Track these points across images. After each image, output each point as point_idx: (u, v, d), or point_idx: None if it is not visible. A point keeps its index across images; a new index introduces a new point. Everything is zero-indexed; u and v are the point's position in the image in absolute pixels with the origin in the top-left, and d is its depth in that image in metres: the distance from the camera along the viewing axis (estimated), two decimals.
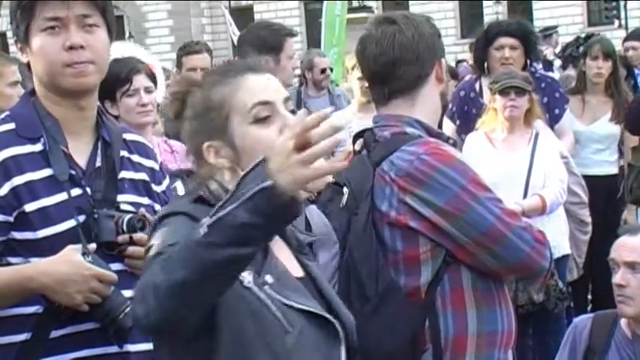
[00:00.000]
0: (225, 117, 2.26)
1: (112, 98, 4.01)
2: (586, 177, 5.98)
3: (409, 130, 2.92)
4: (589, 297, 6.97)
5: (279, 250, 2.33)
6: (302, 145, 1.94)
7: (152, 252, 2.12)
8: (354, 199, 2.89)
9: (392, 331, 2.78)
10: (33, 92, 2.70)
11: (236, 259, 1.99)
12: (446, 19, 40.54)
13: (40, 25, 2.58)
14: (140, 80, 4.12)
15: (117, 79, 3.95)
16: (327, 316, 2.24)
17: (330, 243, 2.95)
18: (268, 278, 2.20)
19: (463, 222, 2.77)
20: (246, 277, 2.17)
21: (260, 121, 2.26)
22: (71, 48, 2.57)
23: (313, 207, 3.16)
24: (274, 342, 2.16)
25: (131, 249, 2.61)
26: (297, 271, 2.35)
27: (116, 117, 3.84)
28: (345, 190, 2.93)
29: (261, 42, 5.02)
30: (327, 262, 2.95)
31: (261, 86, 2.30)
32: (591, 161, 6.68)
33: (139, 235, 2.60)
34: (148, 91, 4.16)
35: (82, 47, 2.57)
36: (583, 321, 3.75)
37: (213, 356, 2.15)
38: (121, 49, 4.49)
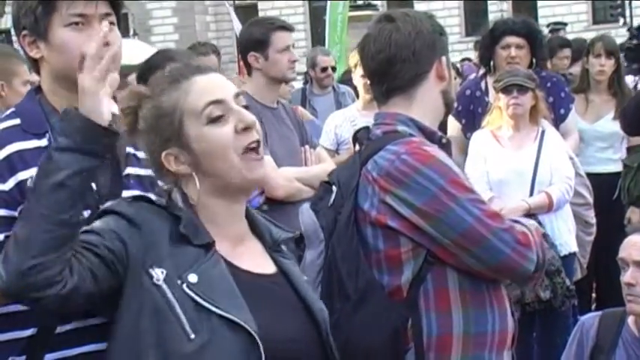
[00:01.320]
0: (179, 122, 2.28)
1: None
2: (590, 175, 5.99)
3: (400, 128, 2.92)
4: (593, 295, 6.97)
5: (250, 248, 2.35)
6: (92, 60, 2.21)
7: None
8: (342, 197, 2.89)
9: (372, 329, 2.77)
10: (38, 89, 2.70)
11: (58, 186, 2.13)
12: (450, 16, 40.53)
13: (65, 20, 2.59)
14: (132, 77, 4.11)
15: None
16: (248, 327, 2.18)
17: (317, 241, 2.95)
18: (192, 277, 2.20)
19: (441, 223, 2.76)
20: (157, 274, 2.19)
21: (214, 120, 2.27)
22: None
23: (305, 205, 3.17)
24: (168, 345, 2.15)
25: None
26: (266, 267, 2.35)
27: None
28: (334, 188, 2.94)
29: (249, 37, 5.03)
30: (313, 259, 2.95)
31: (210, 86, 2.30)
32: (595, 159, 6.68)
33: None
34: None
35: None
36: (590, 319, 3.75)
37: (114, 341, 2.21)
38: (128, 47, 4.49)
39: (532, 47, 6.01)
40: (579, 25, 33.62)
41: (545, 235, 5.27)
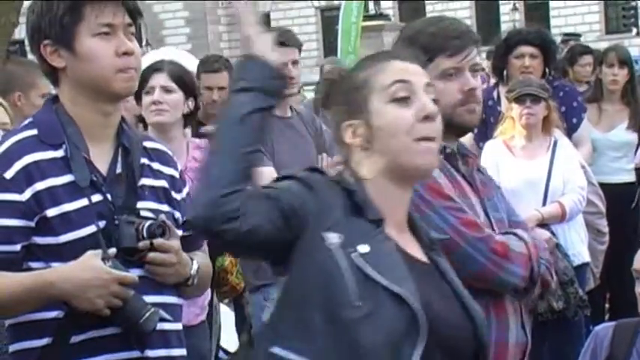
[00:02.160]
0: (366, 96, 2.32)
1: (139, 98, 4.02)
2: (603, 185, 5.98)
3: None
4: (606, 306, 6.95)
5: (409, 238, 2.37)
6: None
7: None
8: None
9: None
10: (55, 99, 2.72)
11: (252, 112, 2.21)
12: None
13: (93, 30, 2.62)
14: (158, 79, 4.13)
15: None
16: (411, 301, 2.18)
17: None
18: (363, 247, 2.21)
19: None
20: (332, 238, 2.22)
21: (397, 100, 2.30)
22: (124, 54, 2.62)
23: None
24: (335, 308, 2.17)
25: (151, 255, 2.62)
26: (423, 258, 2.37)
27: (144, 120, 3.87)
28: None
29: None
30: None
31: (404, 69, 2.34)
32: (608, 169, 6.67)
33: (159, 241, 2.61)
34: (165, 90, 4.16)
35: (132, 53, 2.62)
36: (604, 329, 3.74)
37: (280, 291, 2.26)
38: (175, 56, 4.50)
39: (545, 57, 6.01)
40: (592, 35, 33.59)
41: (557, 245, 5.26)
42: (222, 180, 2.16)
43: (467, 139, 6.00)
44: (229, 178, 2.17)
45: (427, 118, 2.30)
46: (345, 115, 2.35)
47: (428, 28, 2.94)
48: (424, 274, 2.31)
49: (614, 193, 6.26)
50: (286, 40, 4.96)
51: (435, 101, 2.34)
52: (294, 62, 4.93)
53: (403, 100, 2.30)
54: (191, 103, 4.27)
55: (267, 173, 4.71)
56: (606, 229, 5.90)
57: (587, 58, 8.55)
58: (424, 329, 2.18)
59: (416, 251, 2.37)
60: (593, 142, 6.54)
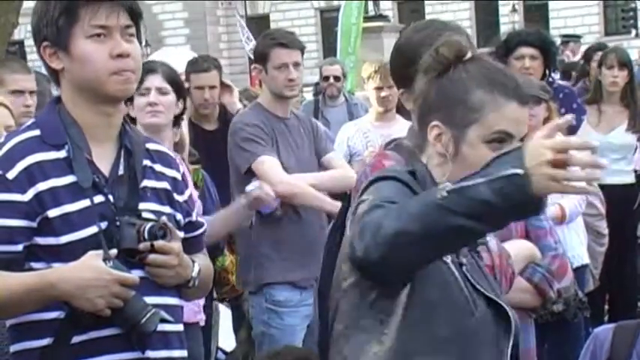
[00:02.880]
0: (471, 121, 2.32)
1: (130, 99, 4.01)
2: (602, 186, 5.98)
3: (406, 142, 2.93)
4: (606, 307, 6.95)
5: None
6: (557, 160, 2.04)
7: (366, 205, 2.22)
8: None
9: None
10: (58, 100, 2.72)
11: (464, 231, 2.09)
12: None
13: (87, 32, 2.61)
14: (153, 80, 4.12)
15: None
16: (508, 309, 2.34)
17: None
18: (464, 260, 2.34)
19: None
20: None
21: (490, 141, 2.32)
22: (119, 56, 2.60)
23: None
24: (459, 320, 2.27)
25: (151, 256, 2.62)
26: None
27: (133, 119, 3.86)
28: None
29: (255, 49, 5.07)
30: None
31: (517, 119, 2.35)
32: (607, 171, 6.65)
33: (160, 243, 2.61)
34: (161, 92, 4.16)
35: (128, 55, 2.61)
36: (604, 331, 3.73)
37: (396, 313, 2.26)
38: (175, 56, 4.51)
39: (545, 58, 6.01)
40: (591, 37, 33.55)
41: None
42: (406, 251, 2.13)
43: None
44: (414, 259, 2.15)
45: None
46: (440, 115, 2.35)
47: (414, 35, 2.93)
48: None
49: (613, 195, 6.26)
50: (289, 42, 4.97)
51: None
52: (296, 64, 4.94)
53: (494, 143, 2.31)
54: (180, 104, 4.28)
55: (269, 161, 4.75)
56: (606, 231, 5.91)
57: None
58: (514, 328, 2.35)
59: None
60: None
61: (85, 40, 2.61)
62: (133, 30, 2.65)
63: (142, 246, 2.61)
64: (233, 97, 6.14)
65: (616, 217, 6.21)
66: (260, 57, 4.96)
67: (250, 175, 4.78)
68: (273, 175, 4.72)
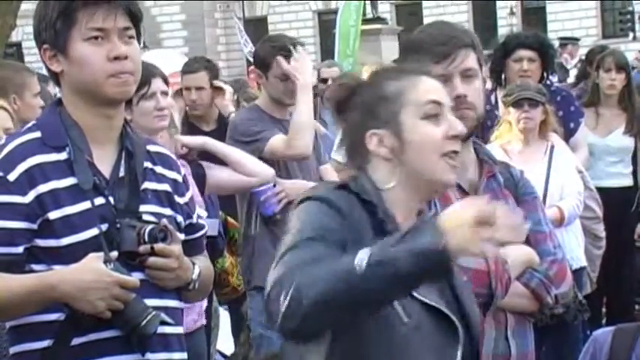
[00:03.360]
0: (399, 108, 2.37)
1: (128, 103, 3.99)
2: (600, 189, 5.99)
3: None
4: (603, 310, 6.96)
5: None
6: (480, 222, 2.06)
7: (289, 240, 2.21)
8: None
9: None
10: (59, 102, 2.72)
11: (385, 299, 2.15)
12: None
13: (84, 34, 2.61)
14: (157, 84, 4.12)
15: None
16: (449, 313, 2.31)
17: None
18: None
19: None
20: None
21: (430, 117, 2.38)
22: (116, 58, 2.60)
23: None
24: (386, 330, 2.24)
25: (151, 259, 2.62)
26: None
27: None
28: None
29: (256, 54, 5.07)
30: None
31: (435, 88, 2.42)
32: (605, 173, 6.68)
33: (160, 246, 2.61)
34: (164, 94, 4.17)
35: (125, 58, 2.61)
36: (603, 334, 3.73)
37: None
38: (159, 57, 4.51)
39: (543, 61, 6.02)
40: (589, 40, 33.57)
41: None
42: (330, 316, 2.12)
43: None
44: (338, 319, 2.15)
45: (455, 137, 2.39)
46: (368, 123, 2.38)
47: (418, 35, 2.94)
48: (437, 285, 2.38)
49: (611, 198, 6.27)
50: (289, 52, 4.98)
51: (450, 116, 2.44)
52: None
53: (434, 117, 2.38)
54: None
55: (277, 137, 4.75)
56: (603, 234, 5.92)
57: None
58: (461, 334, 2.31)
59: None
60: (591, 146, 6.55)
61: (83, 42, 2.61)
62: (132, 32, 2.65)
63: (142, 249, 2.61)
64: (225, 100, 6.13)
65: (614, 219, 6.21)
66: (261, 63, 4.96)
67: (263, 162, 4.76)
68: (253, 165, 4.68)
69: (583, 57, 11.48)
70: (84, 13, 2.59)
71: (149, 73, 4.03)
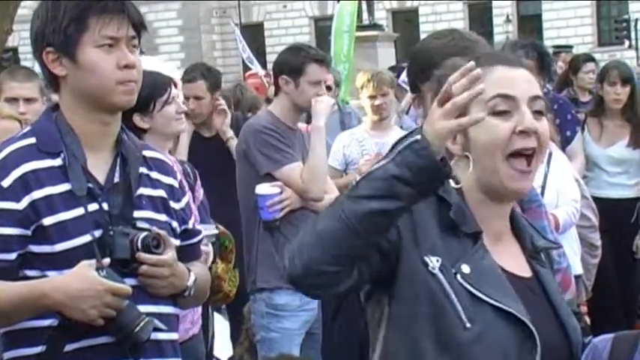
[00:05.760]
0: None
1: (145, 111, 3.97)
2: (602, 200, 5.97)
3: None
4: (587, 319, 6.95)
5: (509, 248, 2.29)
6: (445, 100, 2.01)
7: None
8: None
9: (348, 334, 2.87)
10: (55, 107, 2.72)
11: (380, 213, 2.03)
12: None
13: (96, 41, 2.61)
14: (173, 88, 4.15)
15: (156, 90, 3.91)
16: (524, 319, 2.15)
17: None
18: (464, 268, 2.16)
19: None
20: (433, 262, 2.15)
21: (497, 113, 2.19)
22: (126, 67, 2.62)
23: None
24: (445, 332, 2.14)
25: (144, 268, 2.61)
26: (523, 271, 2.29)
27: (144, 130, 3.84)
28: None
29: (285, 61, 5.09)
30: None
31: (508, 79, 2.22)
32: (608, 184, 6.64)
33: (153, 259, 2.60)
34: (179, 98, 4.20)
35: (133, 67, 2.62)
36: (603, 342, 3.71)
37: (385, 324, 2.19)
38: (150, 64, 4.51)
39: (541, 69, 6.02)
40: (584, 47, 33.64)
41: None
42: (331, 256, 2.06)
43: None
44: (340, 258, 2.07)
45: (524, 133, 2.19)
46: None
47: (432, 42, 2.92)
48: (521, 291, 2.23)
49: (613, 209, 6.25)
50: (324, 58, 5.16)
51: (504, 113, 2.23)
52: (324, 82, 5.16)
53: (503, 114, 2.19)
54: None
55: (297, 169, 4.83)
56: (599, 243, 5.89)
57: (590, 66, 8.80)
58: (539, 344, 2.16)
59: (517, 263, 2.29)
60: (594, 157, 6.52)
61: (94, 49, 2.62)
62: (136, 41, 2.67)
63: (142, 256, 2.60)
64: (224, 126, 6.13)
65: (616, 230, 6.19)
66: (293, 70, 4.99)
67: (269, 177, 4.91)
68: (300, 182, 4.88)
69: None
70: (98, 20, 2.60)
71: (166, 78, 4.04)
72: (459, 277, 2.15)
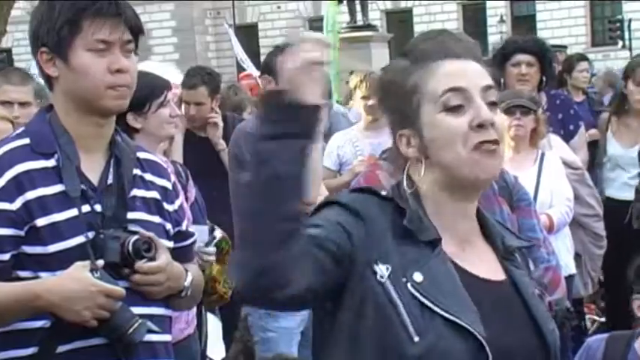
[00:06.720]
0: (417, 104, 2.13)
1: (139, 111, 3.96)
2: (621, 201, 5.94)
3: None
4: (588, 317, 6.95)
5: (479, 251, 2.20)
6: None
7: None
8: None
9: None
10: (49, 108, 2.71)
11: (267, 177, 1.94)
12: None
13: (89, 44, 2.61)
14: (170, 92, 4.14)
15: (153, 92, 3.91)
16: (474, 331, 2.03)
17: None
18: (417, 276, 2.05)
19: None
20: (382, 270, 2.05)
21: (450, 109, 2.11)
22: (117, 71, 2.61)
23: None
24: (391, 347, 2.02)
25: (137, 277, 2.61)
26: (495, 274, 2.18)
27: (136, 130, 3.83)
28: None
29: (268, 62, 5.07)
30: None
31: (457, 72, 2.14)
32: (628, 186, 6.59)
33: (144, 268, 2.60)
34: (173, 102, 4.19)
35: (126, 71, 2.62)
36: (597, 342, 3.73)
37: (333, 335, 2.09)
38: (154, 69, 4.50)
39: (542, 65, 6.02)
40: (578, 48, 33.66)
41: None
42: (263, 248, 1.93)
43: None
44: (273, 244, 1.93)
45: (481, 126, 2.10)
46: (398, 123, 2.17)
47: (420, 43, 2.91)
48: (490, 296, 2.13)
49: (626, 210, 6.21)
50: None
51: (494, 104, 2.15)
52: None
53: (456, 109, 2.11)
54: None
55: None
56: (603, 233, 5.82)
57: (584, 65, 8.90)
58: (490, 354, 2.03)
59: (487, 267, 2.18)
60: (616, 157, 6.49)
61: (85, 52, 2.61)
62: (132, 45, 2.66)
63: (137, 265, 2.59)
64: (216, 137, 6.15)
65: (632, 232, 6.11)
66: (271, 70, 4.96)
67: None
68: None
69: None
70: (91, 23, 2.60)
71: (164, 82, 4.04)
72: (409, 285, 2.04)
